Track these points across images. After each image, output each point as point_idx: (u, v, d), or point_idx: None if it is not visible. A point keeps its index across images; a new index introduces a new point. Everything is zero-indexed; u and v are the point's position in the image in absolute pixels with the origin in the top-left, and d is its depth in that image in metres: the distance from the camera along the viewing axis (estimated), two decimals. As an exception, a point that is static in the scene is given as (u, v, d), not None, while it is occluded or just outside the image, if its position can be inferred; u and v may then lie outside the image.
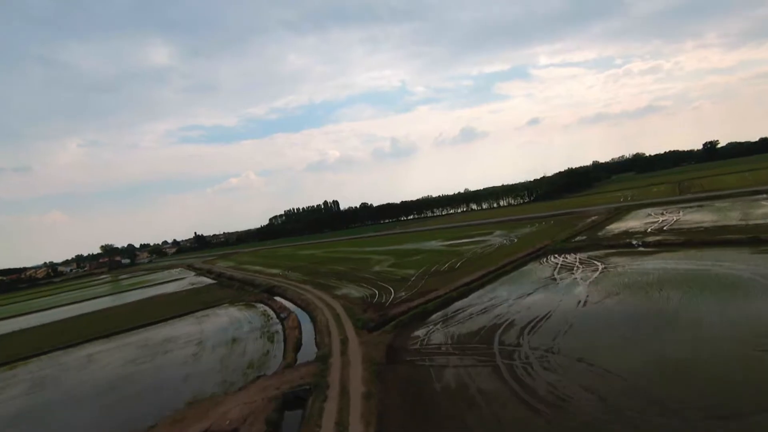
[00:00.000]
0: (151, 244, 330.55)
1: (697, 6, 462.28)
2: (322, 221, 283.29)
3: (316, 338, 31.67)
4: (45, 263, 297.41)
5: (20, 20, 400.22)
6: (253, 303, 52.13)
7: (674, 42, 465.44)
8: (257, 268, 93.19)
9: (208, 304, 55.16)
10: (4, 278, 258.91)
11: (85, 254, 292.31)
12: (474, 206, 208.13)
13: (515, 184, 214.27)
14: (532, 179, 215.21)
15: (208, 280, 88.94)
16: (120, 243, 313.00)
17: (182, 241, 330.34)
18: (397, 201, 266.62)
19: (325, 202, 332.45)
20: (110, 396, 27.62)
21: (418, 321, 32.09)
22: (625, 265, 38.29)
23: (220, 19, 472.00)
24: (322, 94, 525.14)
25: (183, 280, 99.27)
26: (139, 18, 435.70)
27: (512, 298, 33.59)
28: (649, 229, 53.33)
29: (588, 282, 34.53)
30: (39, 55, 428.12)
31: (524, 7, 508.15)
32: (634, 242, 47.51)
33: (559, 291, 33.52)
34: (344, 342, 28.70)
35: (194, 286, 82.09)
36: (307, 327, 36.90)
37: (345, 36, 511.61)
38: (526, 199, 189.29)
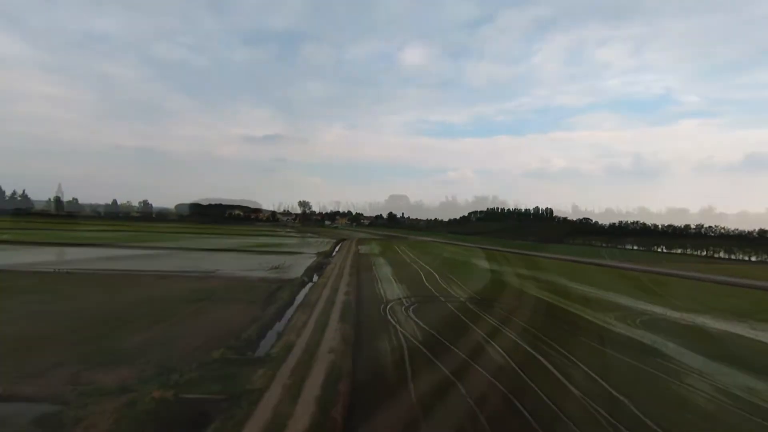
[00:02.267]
0: (364, 214, 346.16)
1: None
2: (521, 227, 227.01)
3: None
4: (282, 210, 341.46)
5: (330, 29, 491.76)
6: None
7: None
8: (381, 260, 53.69)
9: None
10: (241, 213, 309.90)
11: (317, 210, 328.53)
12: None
13: None
14: None
15: (300, 267, 54.40)
16: (342, 208, 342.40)
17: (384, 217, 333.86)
18: (642, 221, 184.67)
19: (536, 208, 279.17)
20: None
21: None
22: None
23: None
24: (560, 99, 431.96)
25: (290, 256, 69.50)
26: (409, 22, 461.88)
27: None
28: None
29: None
30: (336, 56, 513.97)
31: None
32: None
33: None
34: None
35: (269, 274, 48.73)
36: None
37: (602, 33, 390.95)
38: None
